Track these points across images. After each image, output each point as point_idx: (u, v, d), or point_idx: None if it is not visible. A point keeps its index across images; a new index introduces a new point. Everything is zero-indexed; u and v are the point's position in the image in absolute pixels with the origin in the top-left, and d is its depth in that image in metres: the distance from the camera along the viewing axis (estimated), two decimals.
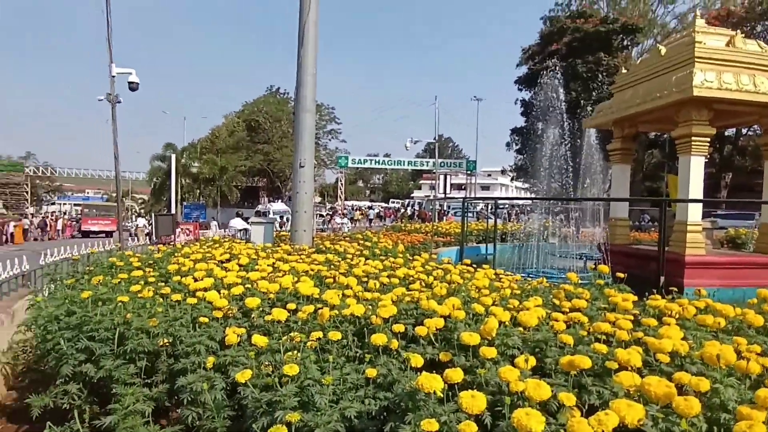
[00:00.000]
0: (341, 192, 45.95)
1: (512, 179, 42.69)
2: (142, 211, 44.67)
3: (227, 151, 44.20)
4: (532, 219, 14.98)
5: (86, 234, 29.87)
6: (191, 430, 2.44)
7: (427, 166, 47.39)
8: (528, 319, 2.79)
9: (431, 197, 44.86)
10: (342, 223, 28.40)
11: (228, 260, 5.49)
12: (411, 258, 6.42)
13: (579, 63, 28.61)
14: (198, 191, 42.60)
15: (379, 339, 2.52)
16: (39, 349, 3.37)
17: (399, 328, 2.70)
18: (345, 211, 40.51)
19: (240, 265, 4.99)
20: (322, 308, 3.17)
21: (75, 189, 68.89)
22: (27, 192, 37.42)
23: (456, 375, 2.01)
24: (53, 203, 51.39)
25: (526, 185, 39.93)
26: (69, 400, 2.76)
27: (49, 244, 22.40)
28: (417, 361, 2.25)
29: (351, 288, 3.77)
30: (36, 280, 5.95)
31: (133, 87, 13.68)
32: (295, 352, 2.42)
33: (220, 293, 3.51)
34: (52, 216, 35.88)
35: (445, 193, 36.06)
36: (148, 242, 11.77)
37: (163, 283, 4.11)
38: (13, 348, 3.94)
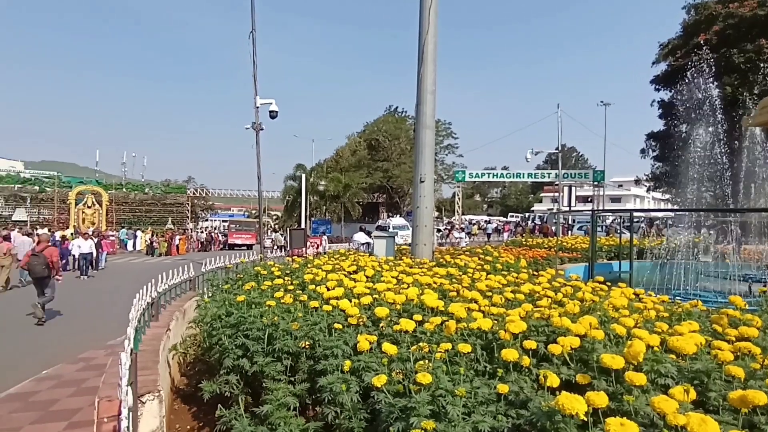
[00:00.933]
0: (458, 206, 45.59)
1: (648, 189, 38.01)
2: (276, 226, 49.43)
3: (350, 169, 46.97)
4: (676, 233, 13.22)
5: (231, 246, 33.96)
6: (330, 427, 2.63)
7: (549, 177, 44.79)
8: (683, 346, 2.47)
9: (554, 210, 42.16)
10: (460, 238, 28.17)
11: (355, 272, 5.82)
12: (534, 273, 6.13)
13: (734, 53, 24.70)
14: (324, 207, 45.85)
15: (509, 354, 2.45)
16: (205, 342, 3.94)
17: (530, 344, 2.60)
18: (462, 226, 40.08)
19: (366, 277, 5.26)
20: (448, 320, 3.19)
21: (223, 207, 78.89)
22: (188, 210, 43.96)
23: (600, 399, 1.87)
24: (206, 220, 59.63)
25: (667, 196, 35.35)
26: (229, 389, 3.18)
27: (204, 255, 25.93)
28: (553, 380, 2.14)
29: (476, 302, 3.73)
30: (199, 285, 6.96)
31: (273, 115, 15.41)
32: (426, 361, 2.47)
33: (351, 302, 3.76)
34: (206, 231, 41.88)
35: (569, 205, 33.60)
36: (283, 254, 13.01)
37: (300, 291, 4.51)
38: (186, 341, 4.67)
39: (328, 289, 4.24)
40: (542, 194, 76.49)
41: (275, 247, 23.03)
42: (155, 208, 40.96)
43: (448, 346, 2.70)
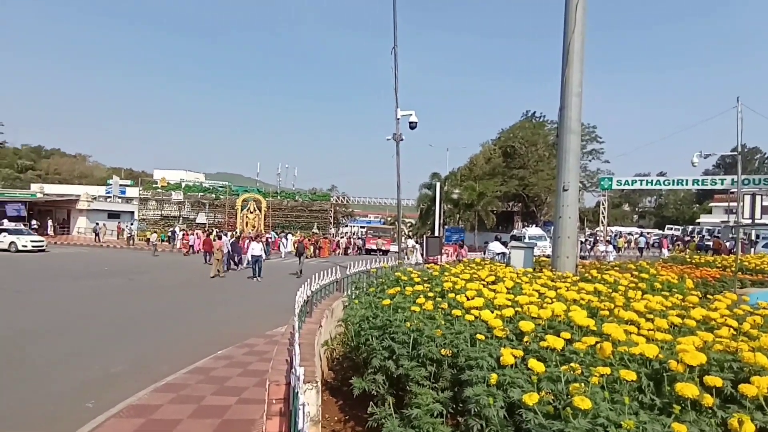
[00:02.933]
0: (603, 217, 41.42)
1: None
2: (410, 233, 50.73)
3: (484, 177, 46.01)
4: None
5: (368, 251, 35.88)
6: None
7: (722, 184, 38.02)
8: None
9: (730, 223, 35.62)
10: (606, 251, 25.57)
11: (493, 282, 5.68)
12: (706, 297, 5.28)
13: None
14: (458, 216, 45.64)
15: (688, 390, 2.14)
16: (353, 341, 4.22)
17: (714, 381, 2.24)
18: (608, 238, 36.32)
19: (506, 288, 5.10)
20: (602, 342, 2.93)
21: (360, 214, 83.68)
22: (331, 217, 47.68)
23: None
24: (346, 226, 63.93)
25: None
26: (376, 387, 3.35)
27: (346, 258, 27.74)
28: (749, 427, 1.81)
29: (636, 324, 3.35)
30: (345, 287, 7.50)
31: (412, 126, 15.96)
32: (581, 385, 2.30)
33: (492, 313, 3.67)
34: (345, 236, 45.09)
35: (752, 218, 28.05)
36: (420, 260, 13.31)
37: (440, 299, 4.56)
38: (335, 338, 5.07)
39: (468, 299, 4.21)
40: (712, 204, 65.28)
41: (410, 254, 23.63)
42: (303, 214, 45.25)
43: (607, 370, 2.47)
